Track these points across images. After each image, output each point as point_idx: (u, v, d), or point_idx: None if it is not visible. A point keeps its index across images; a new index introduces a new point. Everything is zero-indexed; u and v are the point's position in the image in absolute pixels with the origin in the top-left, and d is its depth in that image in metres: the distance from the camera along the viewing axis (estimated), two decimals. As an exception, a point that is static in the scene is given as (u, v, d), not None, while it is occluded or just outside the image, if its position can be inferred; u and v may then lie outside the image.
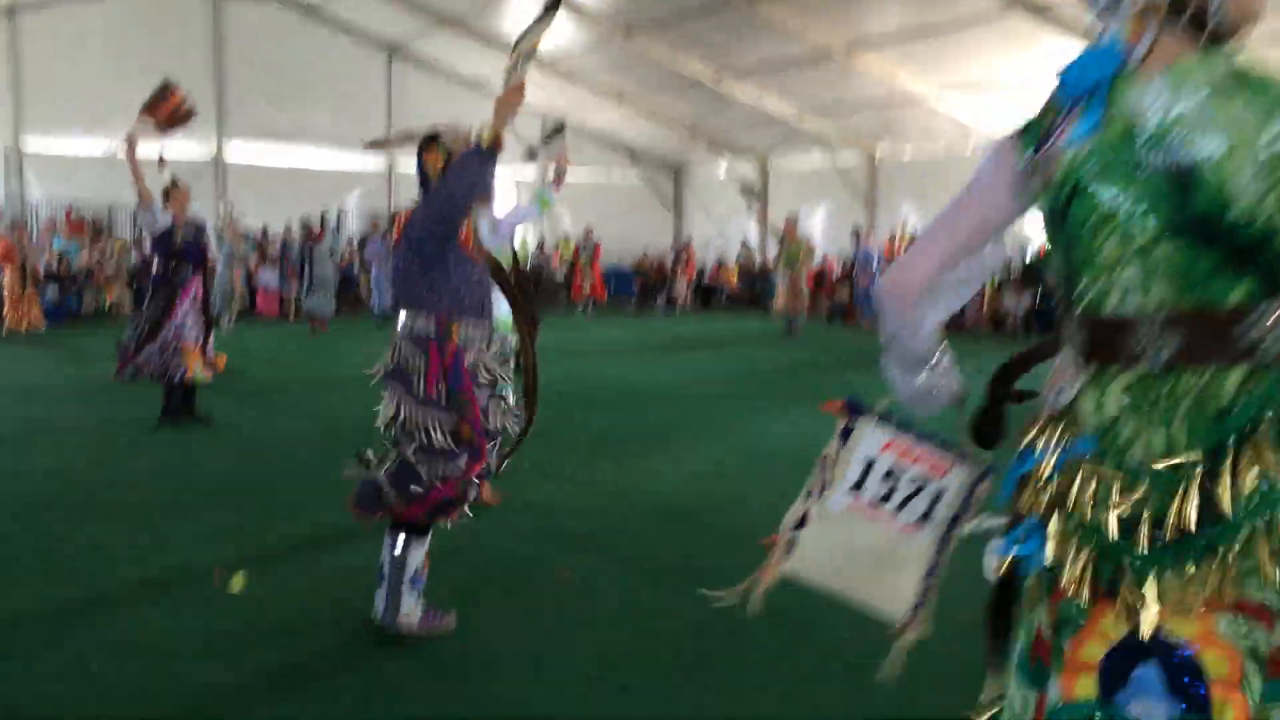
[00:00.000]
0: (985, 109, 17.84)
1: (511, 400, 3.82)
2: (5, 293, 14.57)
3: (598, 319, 18.27)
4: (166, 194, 7.61)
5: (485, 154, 3.35)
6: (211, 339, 7.82)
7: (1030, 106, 1.67)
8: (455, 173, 3.38)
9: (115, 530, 4.86)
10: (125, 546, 4.61)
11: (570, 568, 4.33)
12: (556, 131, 4.44)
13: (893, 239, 19.46)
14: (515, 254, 3.86)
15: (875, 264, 16.81)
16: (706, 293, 22.76)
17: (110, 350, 7.96)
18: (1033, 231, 18.09)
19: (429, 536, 3.61)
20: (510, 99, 3.31)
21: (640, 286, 22.39)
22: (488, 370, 3.52)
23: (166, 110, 7.40)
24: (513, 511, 5.01)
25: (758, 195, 15.19)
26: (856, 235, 17.27)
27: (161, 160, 7.94)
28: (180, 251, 7.55)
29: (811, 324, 17.78)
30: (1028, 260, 17.08)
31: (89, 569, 4.30)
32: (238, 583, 4.00)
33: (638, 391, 9.78)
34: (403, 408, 3.45)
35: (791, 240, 15.50)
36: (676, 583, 4.15)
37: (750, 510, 5.26)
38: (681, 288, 22.15)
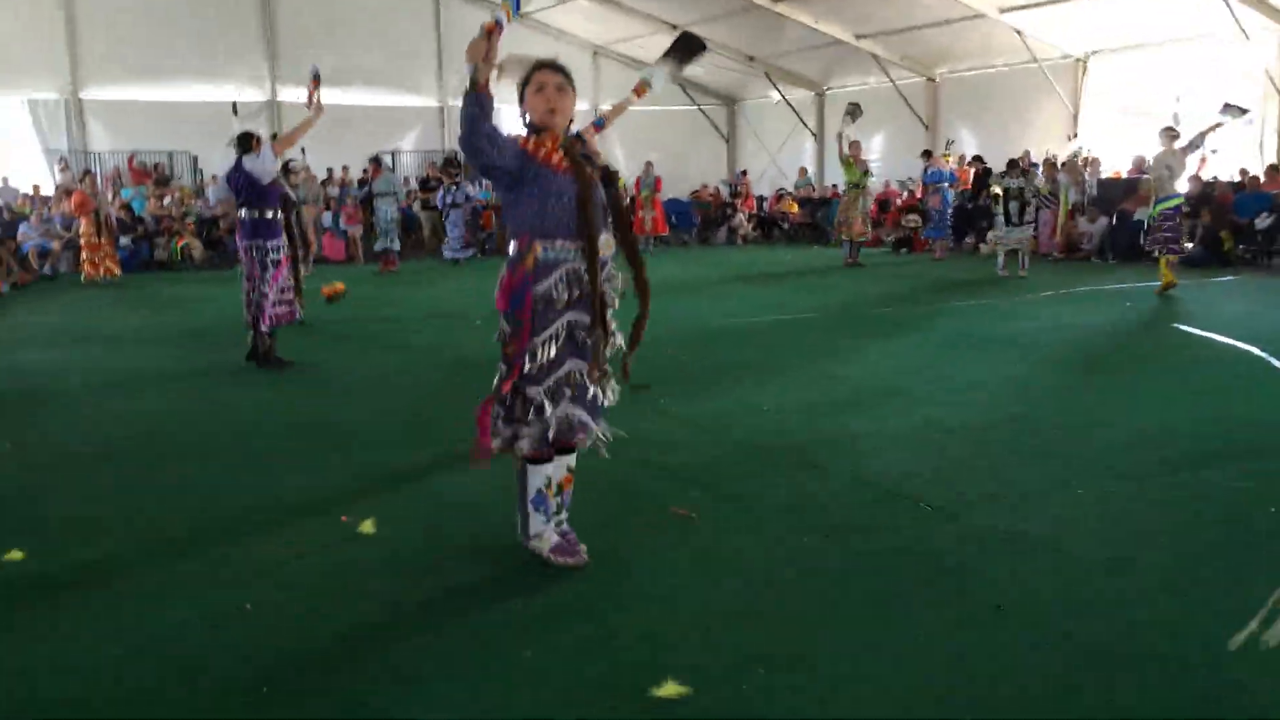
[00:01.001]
0: (1046, 24, 17.33)
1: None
2: (82, 242, 14.80)
3: (660, 253, 18.16)
4: (250, 140, 7.60)
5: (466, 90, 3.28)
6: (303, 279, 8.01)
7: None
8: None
9: (233, 471, 4.97)
10: (245, 487, 4.70)
11: (685, 506, 4.33)
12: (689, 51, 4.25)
13: (962, 160, 19.08)
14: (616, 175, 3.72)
15: (947, 184, 16.45)
16: (767, 223, 22.51)
17: (187, 296, 8.08)
18: (1107, 155, 17.68)
19: (548, 463, 3.60)
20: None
21: (701, 219, 22.18)
22: (569, 291, 3.46)
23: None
24: (614, 445, 5.01)
25: (856, 112, 14.88)
26: (928, 155, 16.85)
27: (235, 107, 8.05)
28: (281, 198, 7.67)
29: (879, 254, 17.55)
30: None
31: (213, 508, 4.39)
32: (367, 526, 4.06)
33: (717, 326, 9.72)
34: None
35: (856, 164, 15.22)
36: (798, 522, 4.13)
37: (860, 449, 5.23)
38: (742, 219, 21.94)
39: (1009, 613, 3.26)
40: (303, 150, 16.27)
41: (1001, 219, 13.50)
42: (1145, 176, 15.36)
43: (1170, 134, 10.82)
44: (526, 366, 3.46)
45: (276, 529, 4.19)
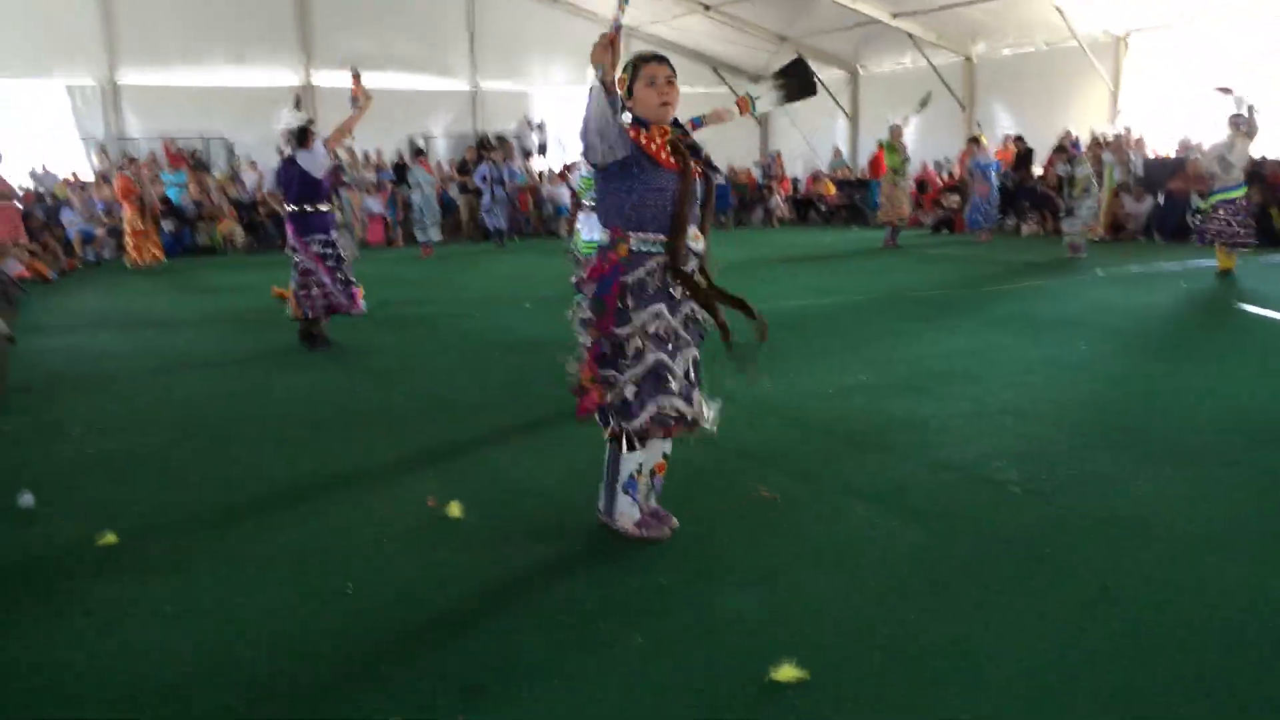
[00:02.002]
0: (1086, 1, 17.10)
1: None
2: (126, 228, 14.90)
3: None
4: (306, 135, 7.61)
5: (595, 89, 3.31)
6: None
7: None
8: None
9: (308, 452, 4.99)
10: (325, 468, 4.72)
11: (767, 487, 4.31)
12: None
13: (1006, 141, 18.88)
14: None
15: (994, 173, 16.26)
16: (802, 205, 22.39)
17: (232, 282, 8.13)
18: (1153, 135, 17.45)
19: (645, 449, 3.67)
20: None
21: (737, 201, 22.08)
22: (657, 287, 3.53)
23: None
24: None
25: (926, 102, 14.81)
26: (976, 141, 16.67)
27: (298, 100, 8.09)
28: (328, 191, 7.72)
29: (917, 235, 17.43)
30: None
31: (296, 489, 4.41)
32: (454, 509, 4.06)
33: (765, 309, 9.56)
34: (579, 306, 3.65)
35: (898, 147, 15.10)
36: (883, 506, 4.10)
37: (932, 431, 5.19)
38: (778, 201, 21.83)
39: (1117, 595, 3.22)
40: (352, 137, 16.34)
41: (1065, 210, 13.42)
42: (1193, 156, 15.19)
43: (1236, 121, 10.54)
44: (609, 352, 3.53)
45: (362, 509, 4.20)
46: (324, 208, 7.69)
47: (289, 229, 7.78)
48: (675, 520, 3.82)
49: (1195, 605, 3.14)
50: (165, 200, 17.47)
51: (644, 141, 3.46)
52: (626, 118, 3.52)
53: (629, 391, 3.54)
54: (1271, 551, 3.55)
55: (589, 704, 2.64)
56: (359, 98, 7.90)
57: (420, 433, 5.41)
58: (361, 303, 7.90)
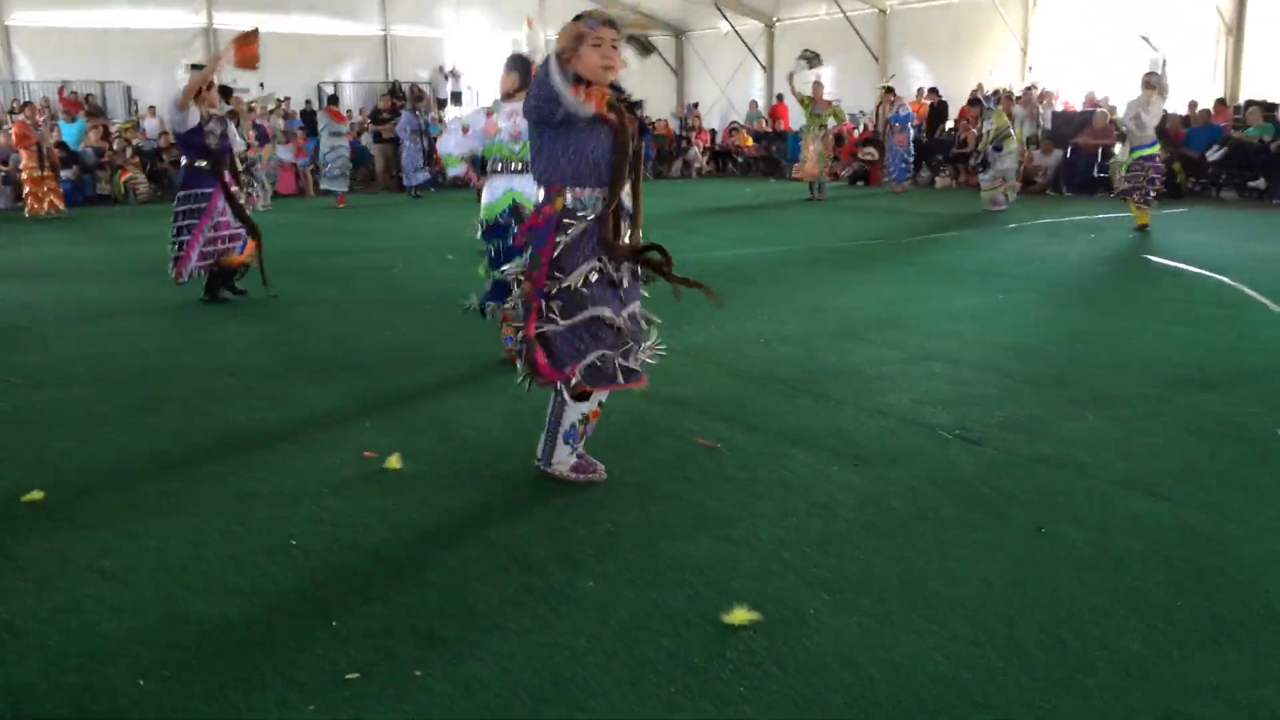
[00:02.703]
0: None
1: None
2: (24, 176, 14.26)
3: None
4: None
5: (553, 59, 3.42)
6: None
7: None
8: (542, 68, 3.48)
9: (233, 405, 4.86)
10: (253, 420, 4.61)
11: (706, 437, 4.34)
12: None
13: (920, 94, 19.09)
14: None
15: (909, 124, 16.43)
16: (721, 157, 22.40)
17: (137, 231, 7.87)
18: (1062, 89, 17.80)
19: (588, 401, 3.73)
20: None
21: (655, 152, 21.99)
22: (594, 241, 3.57)
23: (249, 50, 7.31)
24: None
25: (814, 60, 14.74)
26: (890, 91, 16.81)
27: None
28: (213, 150, 7.42)
29: (834, 187, 17.58)
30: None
31: (226, 442, 4.30)
32: (394, 462, 4.00)
33: (692, 260, 9.61)
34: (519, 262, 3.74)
35: (818, 103, 15.16)
36: (823, 452, 4.16)
37: (866, 378, 5.27)
38: (697, 153, 21.81)
39: (1054, 531, 3.33)
40: (261, 85, 15.82)
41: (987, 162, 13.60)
42: (1099, 110, 15.56)
43: (1149, 80, 10.73)
44: (545, 306, 3.57)
45: (300, 461, 4.12)
46: (198, 164, 7.45)
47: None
48: (602, 466, 3.87)
49: (1128, 539, 3.26)
50: (63, 146, 16.74)
51: (585, 99, 3.47)
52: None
53: (566, 344, 3.58)
54: (1192, 488, 3.71)
55: (548, 651, 2.64)
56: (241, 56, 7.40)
57: (353, 384, 5.31)
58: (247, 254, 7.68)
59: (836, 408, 4.77)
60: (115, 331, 6.79)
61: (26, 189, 14.28)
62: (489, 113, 5.46)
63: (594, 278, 3.57)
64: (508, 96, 5.33)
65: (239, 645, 2.68)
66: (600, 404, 3.82)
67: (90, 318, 7.28)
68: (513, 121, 5.23)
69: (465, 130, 5.50)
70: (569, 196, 3.55)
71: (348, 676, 2.51)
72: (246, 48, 7.28)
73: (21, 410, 4.92)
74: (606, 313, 3.59)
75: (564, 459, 3.80)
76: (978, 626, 2.74)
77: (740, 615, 2.79)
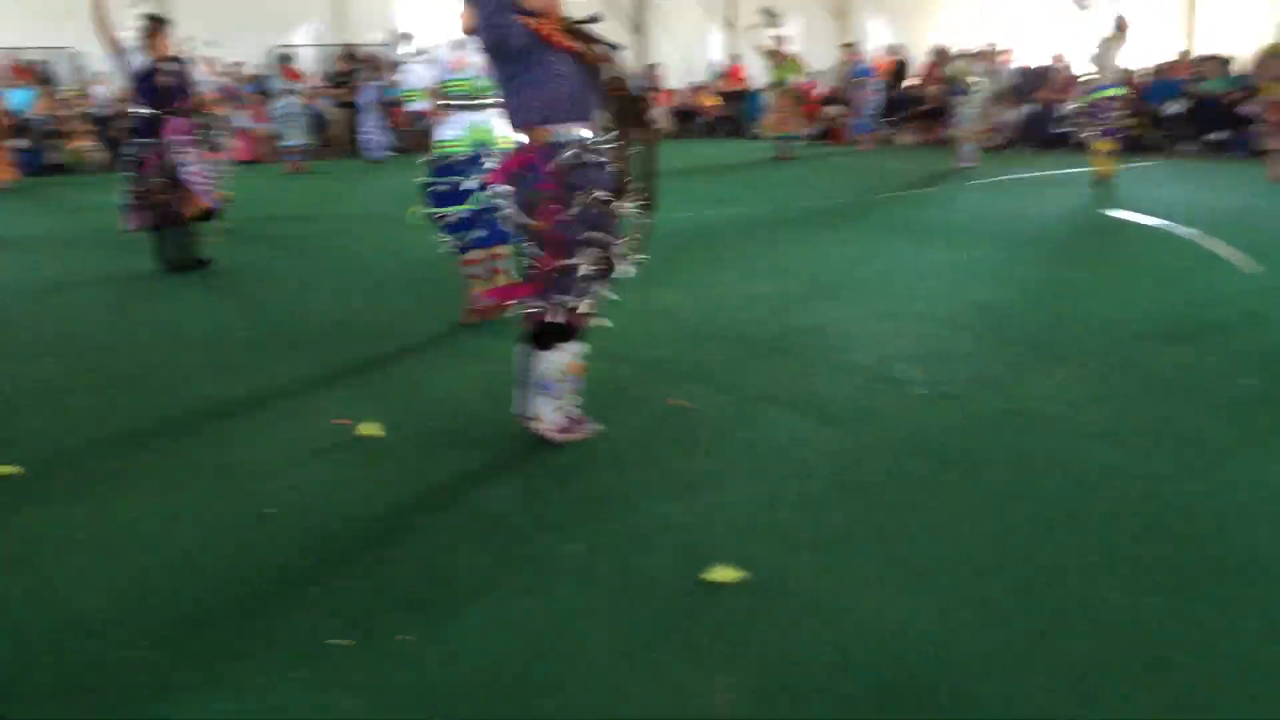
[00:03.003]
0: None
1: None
2: (-26, 146, 13.96)
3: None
4: (146, 34, 7.20)
5: None
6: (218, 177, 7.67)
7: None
8: None
9: (198, 376, 4.80)
10: (219, 391, 4.55)
11: (679, 398, 4.34)
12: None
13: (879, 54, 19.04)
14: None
15: (869, 79, 16.42)
16: (682, 117, 22.27)
17: (93, 201, 7.72)
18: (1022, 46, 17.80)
19: (564, 351, 3.69)
20: None
21: (616, 113, 21.80)
22: (585, 172, 3.51)
23: None
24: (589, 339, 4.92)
25: (773, 20, 14.66)
26: (849, 48, 16.78)
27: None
28: (164, 91, 7.23)
29: (798, 146, 17.54)
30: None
31: (193, 413, 4.24)
32: (369, 429, 3.97)
33: (659, 220, 9.61)
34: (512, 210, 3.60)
35: (782, 59, 15.10)
36: (795, 411, 4.17)
37: (833, 336, 5.29)
38: (659, 113, 21.63)
39: (1029, 486, 3.37)
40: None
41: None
42: (1055, 65, 15.59)
43: (1119, 21, 10.73)
44: (569, 235, 3.50)
45: (274, 430, 4.09)
46: (155, 109, 7.25)
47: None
48: (598, 425, 3.86)
49: (1103, 492, 3.31)
50: (10, 116, 16.34)
51: (535, 27, 3.39)
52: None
53: (580, 275, 3.56)
54: (1162, 441, 3.76)
55: (534, 615, 2.64)
56: None
57: (324, 353, 5.26)
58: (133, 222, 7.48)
59: (809, 367, 4.79)
60: (78, 304, 6.68)
61: (-23, 159, 13.97)
62: (457, 45, 5.35)
63: (595, 207, 3.54)
64: (470, 33, 5.24)
65: (221, 616, 2.66)
66: (578, 356, 3.77)
67: (51, 290, 7.15)
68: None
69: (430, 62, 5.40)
70: (549, 134, 3.47)
71: (333, 642, 2.51)
72: None
73: (-17, 385, 4.84)
74: (597, 245, 3.59)
75: (546, 415, 3.74)
76: (954, 583, 2.77)
77: (721, 575, 2.81)
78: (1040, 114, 15.77)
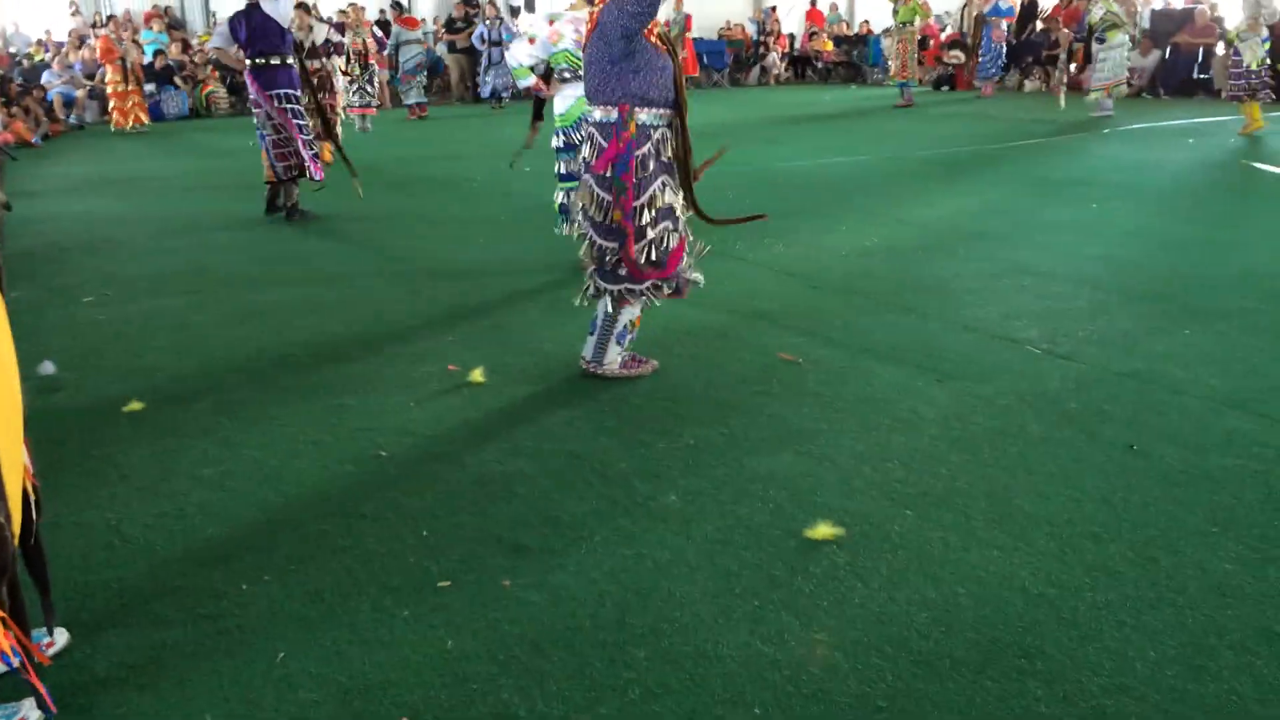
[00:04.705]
0: None
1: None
2: (110, 90, 14.50)
3: (694, 94, 17.69)
4: None
5: None
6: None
7: None
8: None
9: (319, 315, 4.94)
10: (337, 332, 4.69)
11: (788, 352, 4.31)
12: None
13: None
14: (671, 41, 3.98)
15: (1007, 20, 15.77)
16: (799, 63, 21.85)
17: (223, 145, 7.96)
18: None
19: (636, 306, 3.98)
20: None
21: (732, 59, 21.52)
22: (660, 156, 3.80)
23: None
24: (703, 294, 4.90)
25: None
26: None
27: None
28: (292, 43, 7.41)
29: (918, 93, 17.07)
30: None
31: (314, 353, 4.38)
32: (477, 375, 4.05)
33: (777, 170, 9.53)
34: (585, 188, 3.91)
35: (905, 1, 14.65)
36: (909, 368, 4.10)
37: (952, 292, 5.17)
38: (775, 59, 21.29)
39: (1146, 450, 3.26)
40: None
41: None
42: (1199, 7, 14.77)
43: None
44: (640, 221, 3.80)
45: (388, 373, 4.20)
46: (290, 61, 7.33)
47: (252, 85, 7.36)
48: (654, 361, 4.16)
49: (1223, 459, 3.18)
50: (157, 56, 16.91)
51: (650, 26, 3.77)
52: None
53: (662, 250, 3.86)
54: (1295, 408, 3.58)
55: (632, 563, 2.68)
56: None
57: (437, 296, 5.37)
58: (320, 171, 7.56)
59: (921, 322, 4.70)
60: (206, 244, 6.93)
61: (112, 103, 14.52)
62: (550, 20, 5.49)
63: (668, 195, 3.84)
64: (574, 6, 5.38)
65: (334, 551, 2.76)
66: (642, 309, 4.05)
67: (181, 230, 7.43)
68: (575, 29, 5.24)
69: (532, 41, 5.49)
70: (641, 117, 3.75)
71: (439, 584, 2.58)
72: None
73: (116, 322, 5.06)
74: (680, 223, 3.91)
75: (615, 358, 4.04)
76: (1065, 544, 2.71)
77: (824, 530, 2.80)
78: (1179, 58, 14.99)
